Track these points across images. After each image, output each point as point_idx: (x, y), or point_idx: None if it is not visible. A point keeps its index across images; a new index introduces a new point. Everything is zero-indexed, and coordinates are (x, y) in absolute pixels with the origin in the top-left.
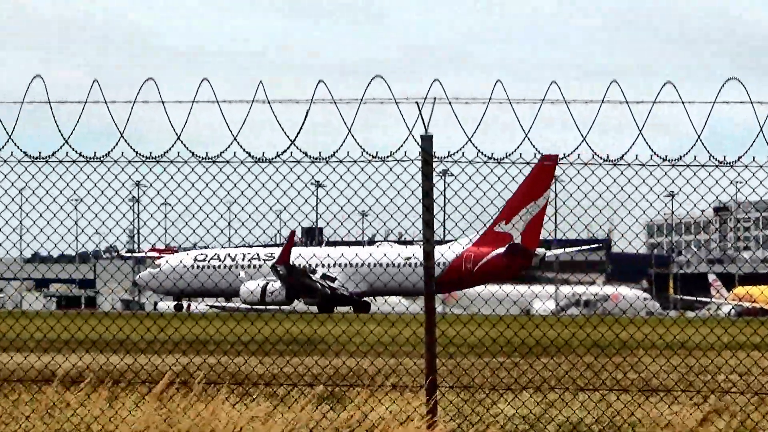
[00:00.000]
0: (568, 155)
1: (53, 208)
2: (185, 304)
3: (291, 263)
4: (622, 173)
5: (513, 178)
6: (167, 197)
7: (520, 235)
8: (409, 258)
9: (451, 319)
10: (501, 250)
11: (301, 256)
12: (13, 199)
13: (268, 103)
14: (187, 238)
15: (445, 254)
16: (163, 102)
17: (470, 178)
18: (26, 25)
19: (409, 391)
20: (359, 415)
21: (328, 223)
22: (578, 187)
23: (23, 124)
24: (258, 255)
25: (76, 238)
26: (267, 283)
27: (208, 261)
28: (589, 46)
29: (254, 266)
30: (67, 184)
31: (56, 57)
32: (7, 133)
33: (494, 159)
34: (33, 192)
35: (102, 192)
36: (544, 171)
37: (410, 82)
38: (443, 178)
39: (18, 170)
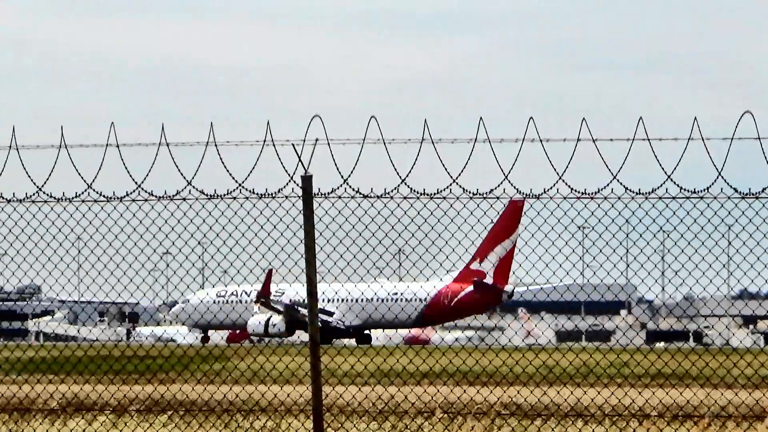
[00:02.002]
0: None
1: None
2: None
3: (270, 298)
4: None
5: None
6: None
7: (492, 273)
8: (395, 294)
9: None
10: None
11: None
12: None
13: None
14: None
15: (424, 288)
16: None
17: None
18: None
19: None
20: None
21: None
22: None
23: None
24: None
25: None
26: (270, 317)
27: (228, 296)
28: None
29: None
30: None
31: None
32: (503, 173)
33: None
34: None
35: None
36: (514, 210)
37: None
38: None
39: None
